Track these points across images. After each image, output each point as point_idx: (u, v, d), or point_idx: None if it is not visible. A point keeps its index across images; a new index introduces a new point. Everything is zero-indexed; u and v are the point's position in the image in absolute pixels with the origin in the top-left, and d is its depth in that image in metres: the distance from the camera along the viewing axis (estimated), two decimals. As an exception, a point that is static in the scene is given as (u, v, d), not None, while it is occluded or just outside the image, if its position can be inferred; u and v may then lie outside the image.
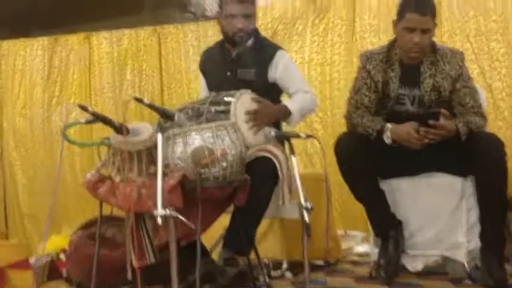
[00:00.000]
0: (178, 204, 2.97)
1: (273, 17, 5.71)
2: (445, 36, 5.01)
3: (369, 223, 3.66)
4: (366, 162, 3.45)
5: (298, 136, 3.29)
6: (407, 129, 3.35)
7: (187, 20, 6.28)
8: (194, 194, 3.02)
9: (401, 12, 3.48)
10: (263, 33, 5.08)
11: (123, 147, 3.13)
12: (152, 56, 6.14)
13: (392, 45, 3.62)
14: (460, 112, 3.47)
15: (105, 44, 6.23)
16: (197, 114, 3.41)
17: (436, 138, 3.30)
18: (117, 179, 3.19)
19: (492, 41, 4.86)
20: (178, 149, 3.08)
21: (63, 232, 5.71)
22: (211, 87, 3.90)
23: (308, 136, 3.29)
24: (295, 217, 3.44)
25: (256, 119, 3.40)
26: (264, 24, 5.65)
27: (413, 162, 3.51)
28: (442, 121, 3.29)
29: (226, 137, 3.10)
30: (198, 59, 5.73)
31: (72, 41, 6.30)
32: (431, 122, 3.28)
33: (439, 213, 3.54)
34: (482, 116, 3.47)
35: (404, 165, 3.55)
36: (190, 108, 3.49)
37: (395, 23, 3.54)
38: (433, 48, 3.55)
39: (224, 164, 3.06)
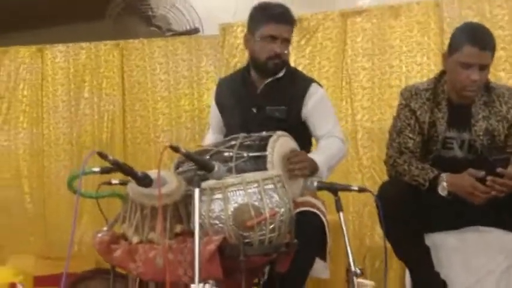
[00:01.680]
0: (217, 275, 2.42)
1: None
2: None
3: (407, 282, 3.15)
4: (414, 216, 3.00)
5: (349, 189, 2.74)
6: (471, 181, 2.88)
7: (153, 36, 5.60)
8: (233, 262, 2.44)
9: (456, 45, 3.02)
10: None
11: (145, 201, 2.53)
12: (114, 73, 5.48)
13: (439, 81, 3.16)
14: (517, 159, 3.03)
15: (60, 57, 5.52)
16: (221, 160, 2.82)
17: (505, 190, 2.83)
18: (135, 239, 2.61)
19: (500, 71, 4.44)
20: (217, 206, 2.50)
21: (10, 262, 5.06)
22: (231, 126, 3.30)
23: (362, 189, 2.75)
24: (324, 277, 2.96)
25: (299, 166, 2.86)
26: (243, 44, 5.06)
27: (462, 214, 3.09)
28: (510, 169, 2.82)
29: (275, 192, 2.53)
30: (166, 77, 5.38)
31: (23, 54, 5.55)
32: (499, 170, 2.81)
33: (488, 273, 3.08)
34: (545, 165, 3.03)
35: (451, 218, 3.11)
36: (210, 153, 2.90)
37: (447, 56, 3.09)
38: (487, 87, 3.10)
39: (272, 225, 2.49)
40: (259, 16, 3.20)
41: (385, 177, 4.59)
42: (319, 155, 3.09)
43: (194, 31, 5.64)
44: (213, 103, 3.45)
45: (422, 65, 4.67)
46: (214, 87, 3.52)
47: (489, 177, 2.84)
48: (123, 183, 2.80)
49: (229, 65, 5.14)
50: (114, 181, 2.83)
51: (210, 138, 3.49)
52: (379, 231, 4.64)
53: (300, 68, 4.90)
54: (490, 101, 3.10)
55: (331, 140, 3.20)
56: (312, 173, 3.00)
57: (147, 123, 5.40)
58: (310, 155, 3.09)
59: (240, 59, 5.09)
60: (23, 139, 5.51)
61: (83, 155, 5.40)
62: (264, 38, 3.15)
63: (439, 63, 4.60)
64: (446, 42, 4.51)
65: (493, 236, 3.10)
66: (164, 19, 5.76)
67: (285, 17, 3.20)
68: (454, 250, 3.11)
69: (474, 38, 2.98)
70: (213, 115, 3.46)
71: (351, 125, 4.79)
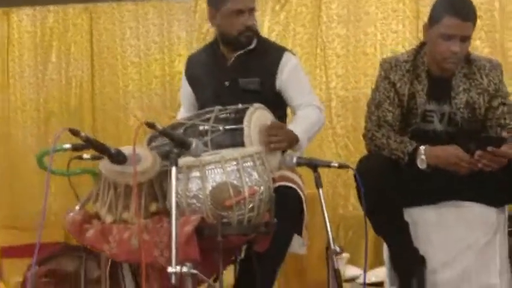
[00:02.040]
0: (195, 257, 2.33)
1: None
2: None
3: (386, 257, 3.10)
4: (393, 192, 2.91)
5: (329, 165, 2.66)
6: (455, 152, 2.80)
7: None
8: (210, 242, 2.35)
9: (437, 16, 2.92)
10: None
11: (119, 179, 2.42)
12: (82, 37, 5.30)
13: (418, 52, 3.07)
14: (499, 134, 2.96)
15: (26, 21, 5.32)
16: (196, 134, 2.72)
17: (493, 165, 2.76)
18: (108, 219, 2.51)
19: (475, 40, 4.36)
20: (194, 185, 2.40)
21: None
22: (204, 100, 3.18)
23: (342, 166, 2.67)
24: (301, 253, 2.91)
25: (274, 140, 2.76)
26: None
27: (441, 188, 3.00)
28: (505, 148, 2.74)
29: (254, 170, 2.45)
30: (136, 42, 5.23)
31: (-13, 17, 5.32)
32: (490, 149, 2.74)
33: (467, 248, 3.02)
34: (526, 140, 2.97)
35: (430, 192, 3.02)
36: (184, 127, 2.79)
37: (427, 28, 2.99)
38: (468, 59, 3.01)
39: (251, 204, 2.40)
40: None
41: (359, 146, 4.64)
42: (298, 125, 3.00)
43: (165, -6, 5.46)
44: (183, 79, 3.34)
45: (397, 33, 4.64)
46: (185, 64, 3.39)
47: (478, 152, 2.77)
48: (95, 158, 2.68)
49: (201, 31, 5.07)
50: (85, 156, 2.71)
51: (183, 114, 3.37)
52: (352, 201, 4.64)
53: (273, 35, 4.84)
54: (471, 73, 3.02)
55: (309, 110, 3.11)
56: (291, 144, 2.92)
57: (116, 89, 5.27)
58: (289, 126, 3.00)
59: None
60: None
61: (50, 122, 5.28)
62: (231, 13, 3.03)
63: (414, 30, 4.58)
64: (422, 9, 4.55)
65: (472, 210, 3.03)
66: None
67: None
68: (433, 225, 3.04)
69: (455, 8, 2.88)
70: (185, 91, 3.35)
71: (324, 93, 4.72)
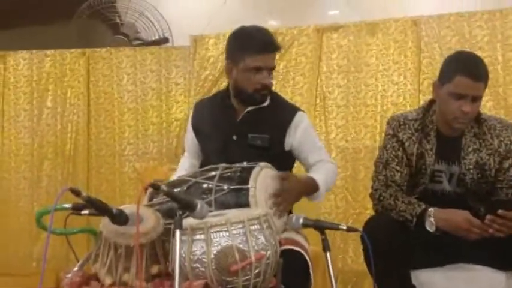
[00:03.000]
0: (198, 325, 2.17)
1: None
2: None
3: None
4: (401, 254, 2.79)
5: (336, 228, 2.56)
6: (466, 215, 2.71)
7: (121, 44, 5.35)
8: (214, 307, 2.24)
9: (448, 75, 2.84)
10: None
11: (120, 240, 2.32)
12: (79, 82, 5.24)
13: (427, 110, 2.99)
14: (511, 196, 2.87)
15: (23, 65, 5.26)
16: (200, 192, 2.62)
17: (504, 231, 2.67)
18: (108, 280, 2.37)
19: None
20: (198, 248, 2.28)
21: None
22: (209, 151, 3.09)
23: (351, 229, 2.56)
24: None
25: (281, 201, 2.66)
26: (215, 57, 4.90)
27: (449, 250, 2.89)
28: None
29: (261, 233, 2.34)
30: (133, 88, 5.15)
31: (-17, 60, 5.25)
32: (501, 212, 2.64)
33: (476, 314, 2.90)
34: (538, 203, 2.89)
35: (438, 254, 2.93)
36: (187, 184, 2.70)
37: (437, 86, 2.90)
38: (478, 118, 2.94)
39: (258, 269, 2.29)
40: (243, 46, 2.96)
41: (357, 198, 4.57)
42: (318, 173, 2.96)
43: (163, 41, 5.42)
44: (189, 127, 3.22)
45: (398, 84, 4.58)
46: (191, 111, 3.28)
47: (488, 216, 2.68)
48: (94, 215, 2.56)
49: (200, 78, 5.00)
50: (84, 212, 2.58)
51: (185, 163, 3.27)
52: (351, 254, 4.55)
53: (273, 83, 4.74)
54: (481, 133, 2.94)
55: (326, 165, 3.07)
56: (311, 192, 2.89)
57: (112, 135, 5.20)
58: (310, 173, 2.96)
59: (211, 71, 4.96)
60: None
61: (43, 166, 5.16)
62: (249, 69, 2.94)
63: (415, 82, 4.53)
64: (424, 61, 4.51)
65: (482, 274, 2.91)
66: (132, 27, 5.51)
67: (271, 46, 2.98)
68: (440, 288, 2.94)
69: (467, 68, 2.81)
70: (189, 139, 3.24)
71: (324, 144, 4.59)
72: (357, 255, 4.39)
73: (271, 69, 2.98)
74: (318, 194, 2.91)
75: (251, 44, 2.93)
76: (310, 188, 2.89)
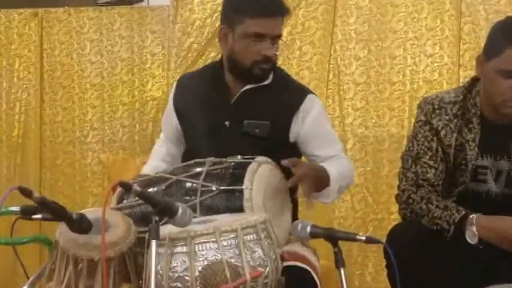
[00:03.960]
0: None
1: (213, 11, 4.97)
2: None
3: None
4: (432, 271, 2.85)
5: (353, 239, 2.57)
6: None
7: (82, 3, 5.37)
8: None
9: (496, 47, 2.87)
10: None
11: (81, 253, 2.37)
12: (30, 51, 5.25)
13: (469, 91, 3.01)
14: None
15: (-40, 28, 5.25)
16: (182, 194, 2.65)
17: None
18: (65, 301, 2.39)
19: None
20: (179, 263, 2.31)
21: None
22: (193, 139, 3.11)
23: (371, 240, 2.58)
24: None
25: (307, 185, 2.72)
26: (201, 20, 4.92)
27: (491, 268, 2.94)
28: None
29: (258, 245, 2.36)
30: (98, 59, 5.16)
31: None
32: None
33: None
34: None
35: (478, 273, 2.95)
36: (166, 183, 2.74)
37: (482, 61, 2.92)
38: (532, 103, 2.96)
39: (254, 290, 2.31)
40: (242, 6, 2.99)
41: (380, 199, 4.60)
42: (333, 166, 2.95)
43: (136, 0, 5.43)
44: (170, 107, 3.25)
45: (433, 56, 4.63)
46: (173, 87, 3.31)
47: None
48: (26, 213, 2.57)
49: (182, 47, 5.03)
50: (36, 216, 2.59)
51: (161, 150, 3.32)
52: (370, 269, 4.59)
53: (278, 56, 4.76)
54: (537, 121, 2.97)
55: (340, 160, 3.08)
56: (322, 186, 2.88)
57: (71, 118, 5.22)
58: (323, 164, 2.95)
59: (196, 38, 4.99)
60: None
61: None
62: (249, 35, 2.96)
63: (455, 55, 4.58)
64: (465, 27, 4.53)
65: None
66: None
67: (277, 8, 3.01)
68: (480, 315, 2.98)
69: (521, 39, 2.84)
70: (169, 121, 3.26)
71: (338, 131, 4.64)
72: (377, 271, 4.43)
73: (276, 37, 3.00)
74: (328, 191, 2.91)
75: (252, 4, 2.96)
76: (321, 180, 2.87)
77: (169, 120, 3.26)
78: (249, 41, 2.96)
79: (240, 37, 2.97)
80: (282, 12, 3.01)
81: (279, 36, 3.03)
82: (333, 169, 2.92)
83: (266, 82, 3.05)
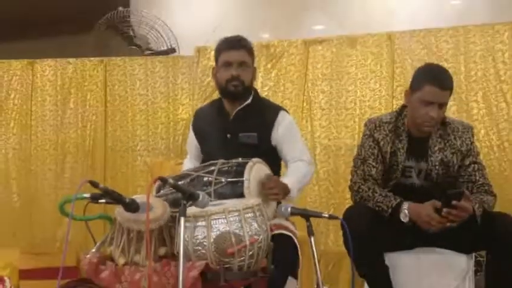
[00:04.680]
0: (199, 299, 2.16)
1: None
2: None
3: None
4: (376, 239, 2.80)
5: (320, 216, 2.54)
6: (428, 211, 2.71)
7: (134, 54, 5.32)
8: (213, 285, 2.23)
9: (418, 84, 2.85)
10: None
11: (132, 226, 2.29)
12: (97, 87, 5.16)
13: (400, 114, 2.99)
14: (470, 189, 2.87)
15: (49, 71, 5.19)
16: (201, 185, 2.60)
17: (457, 220, 2.67)
18: (121, 261, 2.36)
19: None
20: (200, 233, 2.28)
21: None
22: (208, 151, 3.08)
23: (332, 217, 2.55)
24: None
25: (274, 191, 2.68)
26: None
27: (418, 236, 2.90)
28: (463, 202, 2.66)
29: (254, 220, 2.34)
30: (145, 92, 5.12)
31: (15, 66, 5.20)
32: (455, 203, 2.64)
33: (440, 291, 2.90)
34: (493, 195, 2.89)
35: (409, 239, 2.92)
36: (190, 177, 2.69)
37: (408, 93, 2.90)
38: (443, 122, 2.94)
39: (251, 252, 2.28)
40: (218, 47, 3.06)
41: (338, 189, 4.54)
42: (289, 177, 2.91)
43: (171, 51, 5.39)
44: (191, 131, 3.23)
45: (374, 91, 4.52)
46: (192, 117, 3.33)
47: (445, 210, 2.68)
48: (110, 203, 2.54)
49: (202, 83, 4.94)
50: (101, 201, 2.56)
51: (188, 164, 3.27)
52: (332, 237, 4.51)
53: (266, 89, 4.75)
54: (446, 135, 2.94)
55: (300, 164, 3.03)
56: (284, 195, 2.81)
57: (126, 133, 5.12)
58: (281, 178, 2.89)
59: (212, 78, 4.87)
60: (12, 144, 5.16)
61: (66, 159, 5.13)
62: (222, 65, 3.00)
63: (389, 89, 4.49)
64: (397, 71, 4.47)
65: (445, 257, 2.93)
66: (144, 39, 5.48)
67: (237, 44, 3.02)
68: (410, 269, 2.94)
69: (435, 78, 2.82)
70: (191, 142, 3.24)
71: (310, 142, 4.60)
72: (337, 238, 4.36)
73: (240, 63, 2.97)
74: (289, 196, 2.86)
75: (223, 44, 3.01)
76: (284, 194, 2.83)
77: (191, 140, 3.24)
78: (222, 69, 2.97)
79: (219, 67, 3.00)
80: (242, 46, 3.00)
81: (243, 63, 3.00)
82: (290, 181, 2.87)
83: (248, 102, 3.02)
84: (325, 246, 4.50)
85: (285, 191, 2.80)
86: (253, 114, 3.02)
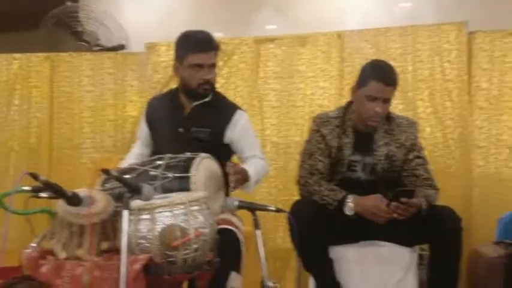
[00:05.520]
0: (142, 293, 2.16)
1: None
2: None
3: (312, 288, 3.02)
4: (321, 232, 2.85)
5: (266, 209, 2.57)
6: (376, 203, 2.76)
7: (82, 50, 5.25)
8: (157, 279, 2.22)
9: (364, 80, 2.91)
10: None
11: (74, 219, 2.27)
12: (43, 83, 5.05)
13: (346, 110, 3.04)
14: (413, 182, 2.95)
15: (-8, 66, 5.05)
16: (147, 179, 2.59)
17: (405, 215, 2.73)
18: (63, 255, 2.32)
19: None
20: (144, 226, 2.27)
21: None
22: (158, 142, 3.07)
23: (278, 210, 2.58)
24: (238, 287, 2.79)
25: (235, 172, 2.70)
26: (166, 62, 4.84)
27: (363, 230, 2.95)
28: (413, 199, 2.72)
29: (200, 213, 2.33)
30: (92, 89, 5.05)
31: (-43, 61, 5.06)
32: (404, 200, 2.70)
33: (384, 283, 2.98)
34: (435, 189, 2.97)
35: (352, 233, 2.98)
36: (136, 172, 2.67)
37: (355, 89, 2.95)
38: (388, 117, 3.00)
39: (196, 245, 2.28)
40: (185, 46, 2.99)
41: (287, 186, 4.57)
42: (250, 167, 2.93)
43: (120, 47, 5.34)
44: (143, 119, 3.21)
45: (324, 89, 4.57)
46: (145, 107, 3.27)
47: (393, 203, 2.73)
48: (52, 198, 2.51)
49: (152, 80, 4.90)
50: (42, 195, 2.54)
51: (136, 151, 3.26)
52: (281, 234, 4.53)
53: (217, 87, 4.71)
54: (391, 130, 3.01)
55: (257, 160, 3.07)
56: (243, 181, 2.84)
57: (72, 130, 5.02)
58: (245, 166, 2.92)
59: (162, 74, 4.87)
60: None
61: (10, 157, 5.01)
62: (191, 66, 2.94)
63: (339, 87, 4.54)
64: (346, 69, 4.53)
65: (388, 250, 2.99)
66: (93, 35, 5.42)
67: (208, 45, 3.00)
68: (354, 262, 2.99)
69: (380, 74, 2.88)
70: (142, 130, 3.23)
71: (260, 139, 4.58)
72: (285, 236, 4.36)
73: (211, 65, 2.97)
74: (248, 184, 2.89)
75: (192, 44, 2.94)
76: (244, 179, 2.86)
77: (143, 129, 3.22)
78: (192, 70, 2.94)
79: (186, 68, 2.95)
80: (213, 47, 2.99)
81: (214, 65, 3.00)
82: (252, 169, 2.90)
83: (208, 99, 3.03)
84: (274, 243, 4.52)
85: (245, 177, 2.83)
86: (210, 110, 3.02)
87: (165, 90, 4.40)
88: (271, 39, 4.73)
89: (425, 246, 3.04)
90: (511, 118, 4.16)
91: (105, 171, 2.20)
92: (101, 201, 2.37)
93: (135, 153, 3.26)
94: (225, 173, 2.76)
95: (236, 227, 2.71)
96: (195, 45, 2.95)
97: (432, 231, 2.80)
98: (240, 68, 4.75)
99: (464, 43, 4.22)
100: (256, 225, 2.53)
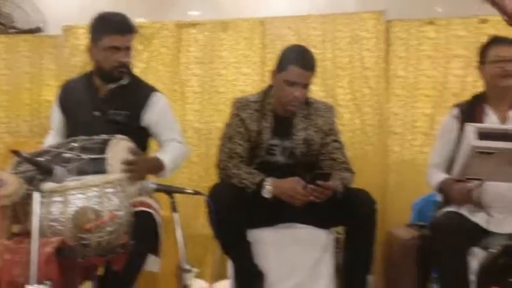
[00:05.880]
0: (54, 277, 2.15)
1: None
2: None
3: (230, 271, 3.04)
4: (240, 216, 2.86)
5: (184, 192, 2.55)
6: (293, 185, 2.79)
7: (-5, 31, 5.07)
8: (70, 262, 2.19)
9: (283, 64, 2.93)
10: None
11: (-18, 202, 2.18)
12: (-47, 67, 4.84)
13: (266, 94, 3.06)
14: (330, 166, 3.00)
15: None
16: (61, 161, 2.52)
17: (321, 197, 2.78)
18: (-30, 239, 2.22)
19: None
20: (56, 209, 2.23)
21: None
22: (74, 127, 2.99)
23: (196, 192, 2.57)
24: (155, 270, 2.78)
25: (133, 170, 2.60)
26: (84, 45, 4.70)
27: (280, 213, 2.98)
28: (328, 182, 2.77)
29: (115, 196, 2.30)
30: (7, 72, 4.87)
31: None
32: (320, 182, 2.75)
33: (301, 264, 3.02)
34: (351, 172, 3.03)
35: (269, 216, 3.01)
36: (50, 154, 2.59)
37: (275, 74, 2.97)
38: (307, 101, 3.04)
39: (110, 228, 2.25)
40: (101, 27, 2.92)
41: (209, 172, 4.54)
42: (166, 155, 2.92)
43: (37, 30, 5.16)
44: (55, 106, 3.12)
45: (246, 75, 4.57)
46: (58, 91, 3.17)
47: (310, 186, 2.77)
48: None
49: (70, 63, 4.77)
50: None
51: (50, 140, 3.16)
52: (201, 220, 4.51)
53: (136, 72, 4.60)
54: (309, 114, 3.05)
55: (175, 144, 3.04)
56: (157, 170, 2.83)
57: (-16, 119, 4.84)
58: (158, 154, 2.90)
59: (80, 58, 4.72)
60: None
61: None
62: (107, 48, 2.88)
63: (261, 74, 4.55)
64: (268, 56, 4.55)
65: (306, 232, 3.05)
66: (9, 17, 5.21)
67: (125, 27, 2.95)
68: (272, 244, 3.03)
69: (299, 59, 2.91)
70: (55, 117, 3.13)
71: (182, 125, 4.52)
72: (206, 220, 4.36)
73: (127, 48, 2.92)
74: (164, 172, 2.87)
75: (108, 26, 2.89)
76: (155, 168, 2.84)
77: (56, 115, 3.14)
78: (107, 52, 2.89)
79: (101, 50, 2.89)
80: (130, 30, 2.94)
81: (130, 48, 2.95)
82: (167, 156, 2.88)
83: (124, 82, 2.98)
84: (194, 229, 4.50)
85: (159, 166, 2.80)
86: (126, 93, 2.97)
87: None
88: (193, 24, 4.69)
89: (341, 230, 3.10)
90: (426, 105, 4.29)
91: (16, 153, 2.14)
92: (11, 184, 2.30)
93: (50, 142, 3.16)
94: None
95: (154, 209, 2.69)
96: (112, 27, 2.89)
97: (347, 214, 2.86)
98: (161, 53, 4.69)
99: (382, 31, 4.32)
100: (174, 208, 2.50)
